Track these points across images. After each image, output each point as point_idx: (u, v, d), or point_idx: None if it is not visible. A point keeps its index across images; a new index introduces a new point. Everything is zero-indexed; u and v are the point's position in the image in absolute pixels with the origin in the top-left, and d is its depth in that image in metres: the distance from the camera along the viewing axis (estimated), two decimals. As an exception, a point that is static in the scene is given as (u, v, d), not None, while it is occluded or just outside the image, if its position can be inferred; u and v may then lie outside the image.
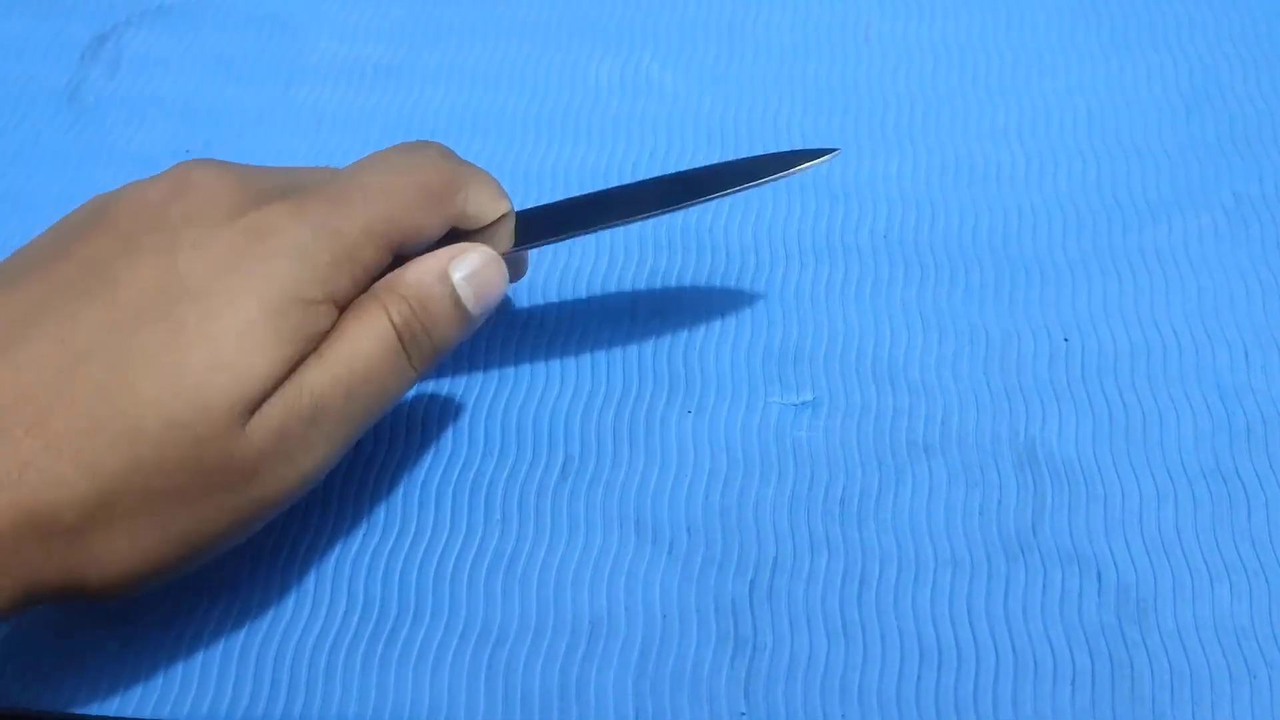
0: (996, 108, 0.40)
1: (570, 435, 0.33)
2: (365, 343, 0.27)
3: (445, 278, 0.28)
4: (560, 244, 0.37)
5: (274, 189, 0.27)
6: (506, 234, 0.31)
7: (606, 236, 0.37)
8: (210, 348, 0.24)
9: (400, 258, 0.28)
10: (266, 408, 0.25)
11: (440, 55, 0.43)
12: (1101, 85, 0.41)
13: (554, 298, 0.36)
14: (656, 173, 0.39)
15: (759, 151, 0.39)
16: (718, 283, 0.36)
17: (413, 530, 0.31)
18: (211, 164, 0.27)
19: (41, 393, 0.24)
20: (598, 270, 0.36)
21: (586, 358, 0.34)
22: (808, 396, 0.33)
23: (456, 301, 0.28)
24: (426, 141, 0.30)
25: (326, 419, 0.26)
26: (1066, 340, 0.34)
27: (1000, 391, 0.33)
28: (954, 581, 0.30)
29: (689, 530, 0.31)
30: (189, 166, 0.27)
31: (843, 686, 0.28)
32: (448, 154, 0.30)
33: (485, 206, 0.30)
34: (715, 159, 0.39)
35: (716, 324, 0.35)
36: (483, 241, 0.29)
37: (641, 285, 0.36)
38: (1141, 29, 0.42)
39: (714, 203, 0.38)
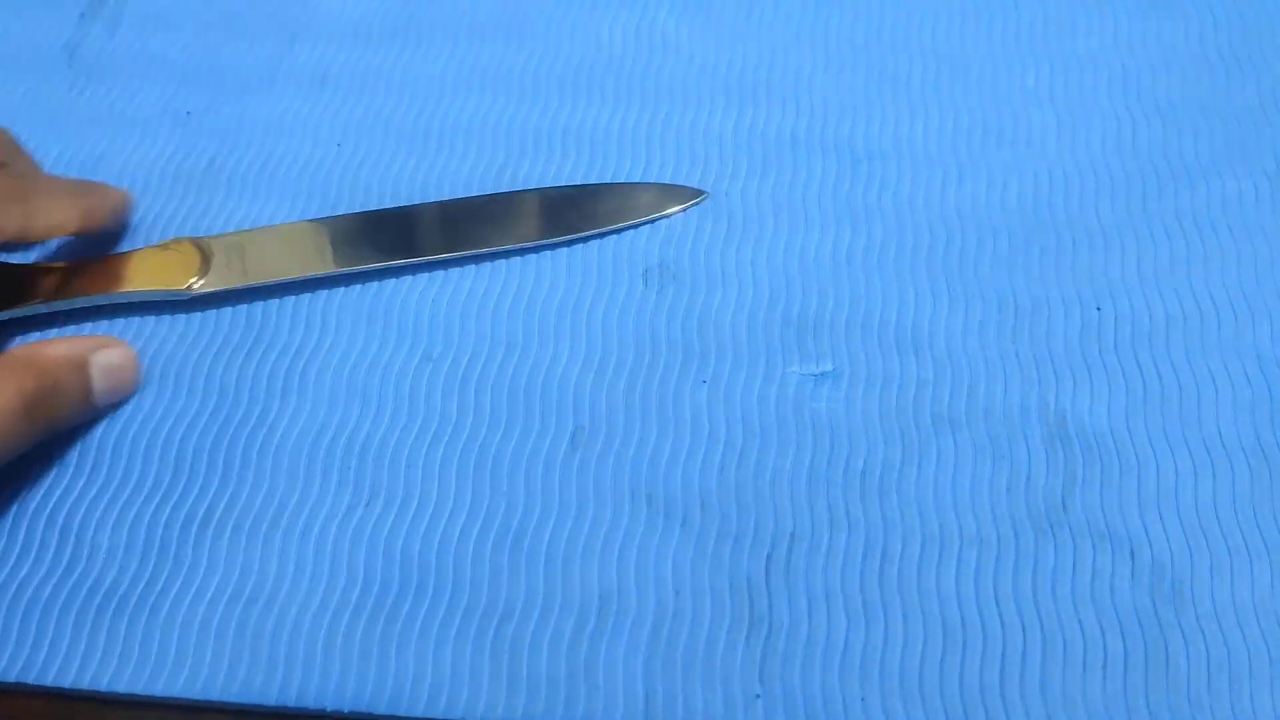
0: (1026, 67, 0.39)
1: (579, 405, 0.31)
2: None
3: (83, 364, 0.31)
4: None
5: None
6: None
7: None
8: None
9: None
10: None
11: (447, 11, 0.42)
12: (1137, 44, 0.39)
13: (563, 263, 0.34)
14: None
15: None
16: (734, 248, 0.34)
17: (415, 502, 0.30)
18: None
19: None
20: (608, 234, 0.35)
21: (597, 325, 0.33)
22: (827, 366, 0.32)
23: (87, 389, 0.31)
24: None
25: None
26: (1099, 309, 0.33)
27: (1029, 362, 0.32)
28: (980, 559, 0.29)
29: (703, 504, 0.30)
30: None
31: (862, 668, 0.27)
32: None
33: (54, 219, 0.33)
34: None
35: (733, 291, 0.34)
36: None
37: (654, 250, 0.35)
38: (1180, -15, 0.41)
39: (730, 166, 0.37)
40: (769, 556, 0.29)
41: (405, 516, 0.30)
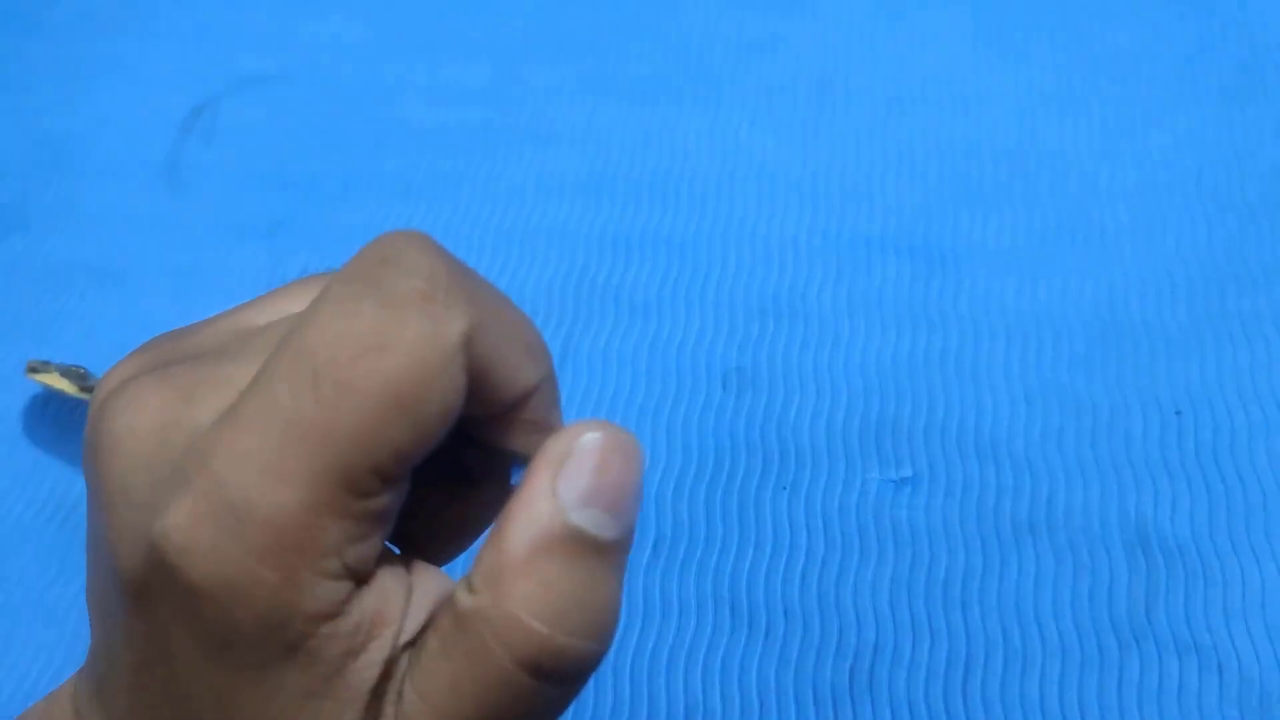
0: (1100, 165, 0.39)
1: (661, 513, 0.32)
2: (484, 695, 0.15)
3: (560, 542, 0.15)
4: (650, 309, 0.37)
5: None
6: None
7: (696, 304, 0.37)
8: None
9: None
10: None
11: (525, 120, 0.43)
12: (1212, 141, 0.39)
13: (642, 368, 0.35)
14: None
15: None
16: (810, 352, 0.35)
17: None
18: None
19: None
20: (687, 339, 0.36)
21: (677, 431, 0.34)
22: (907, 472, 0.32)
23: (591, 567, 0.15)
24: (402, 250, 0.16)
25: None
26: (1178, 414, 0.33)
27: (1108, 468, 0.32)
28: (1064, 670, 0.29)
29: (786, 613, 0.30)
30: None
31: (948, 783, 0.27)
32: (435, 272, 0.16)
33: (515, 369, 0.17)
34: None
35: (810, 395, 0.34)
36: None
37: (732, 355, 0.35)
38: (1255, 84, 0.41)
39: (805, 269, 0.37)
40: (852, 668, 0.29)
41: (494, 625, 0.31)
